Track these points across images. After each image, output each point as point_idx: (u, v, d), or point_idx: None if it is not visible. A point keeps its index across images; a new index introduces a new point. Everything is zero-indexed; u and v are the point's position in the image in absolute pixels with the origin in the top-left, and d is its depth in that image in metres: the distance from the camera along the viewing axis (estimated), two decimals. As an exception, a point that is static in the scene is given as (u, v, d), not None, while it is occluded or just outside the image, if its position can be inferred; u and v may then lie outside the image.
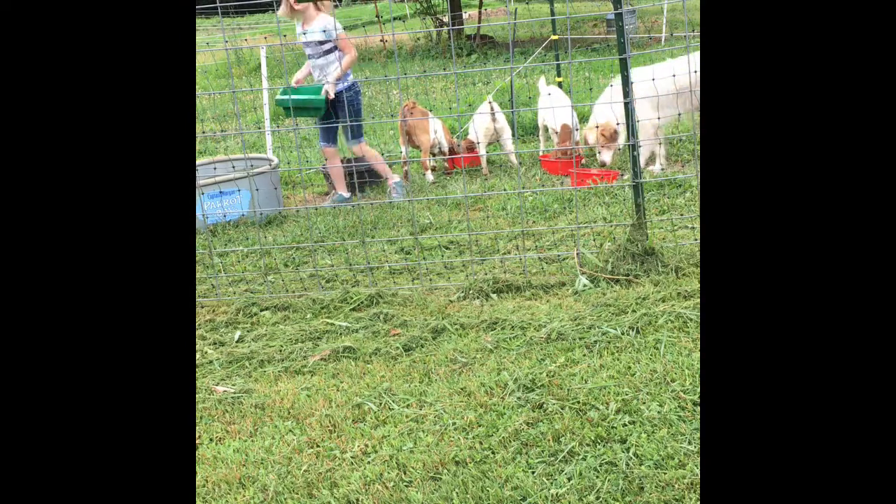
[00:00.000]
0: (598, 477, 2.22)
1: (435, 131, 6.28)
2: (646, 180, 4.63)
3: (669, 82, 5.07)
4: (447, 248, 4.61)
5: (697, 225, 4.21)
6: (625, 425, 2.45)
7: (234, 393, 3.03)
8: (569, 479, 2.22)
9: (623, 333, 3.08)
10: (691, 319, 3.11)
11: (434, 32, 15.70)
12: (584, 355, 2.96)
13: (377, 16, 17.52)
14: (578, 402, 2.61)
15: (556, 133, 6.26)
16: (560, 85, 7.43)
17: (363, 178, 6.04)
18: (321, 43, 5.42)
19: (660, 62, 5.84)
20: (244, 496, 2.36)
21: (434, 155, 6.44)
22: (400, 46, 15.83)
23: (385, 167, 5.86)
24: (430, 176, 6.27)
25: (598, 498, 2.13)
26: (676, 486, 2.14)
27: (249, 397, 2.98)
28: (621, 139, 5.65)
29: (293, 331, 3.52)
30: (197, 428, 2.81)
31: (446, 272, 4.17)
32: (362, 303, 3.73)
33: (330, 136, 5.77)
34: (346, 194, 5.85)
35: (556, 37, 7.69)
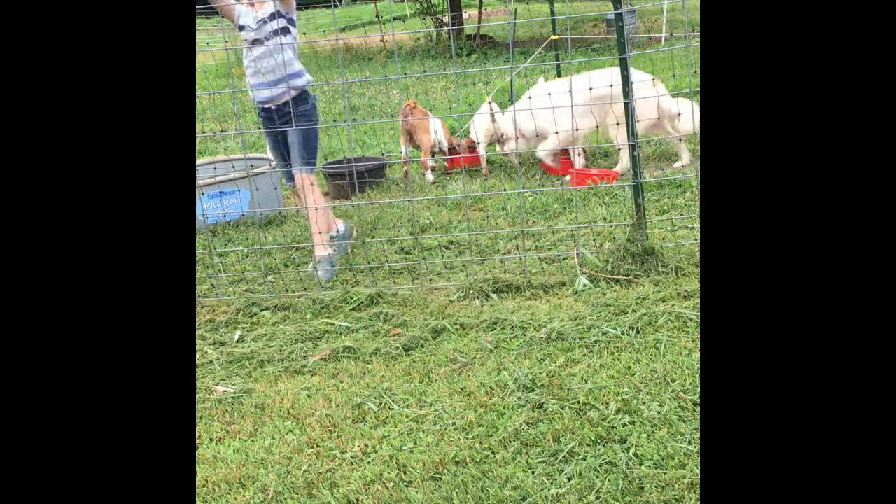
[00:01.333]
0: (598, 477, 2.22)
1: (435, 131, 6.29)
2: (645, 180, 4.64)
3: (586, 94, 5.22)
4: (447, 248, 4.60)
5: (697, 225, 4.21)
6: (625, 425, 2.45)
7: (234, 393, 3.03)
8: (569, 479, 2.22)
9: (623, 333, 3.08)
10: (691, 319, 3.11)
11: (434, 32, 15.71)
12: (584, 355, 2.96)
13: (377, 16, 17.52)
14: (578, 402, 2.61)
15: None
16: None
17: (363, 178, 6.04)
18: (274, 18, 3.97)
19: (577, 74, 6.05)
20: (244, 496, 2.36)
21: (434, 154, 6.45)
22: (400, 46, 15.83)
23: (330, 223, 4.44)
24: (430, 176, 6.28)
25: (598, 498, 2.13)
26: (676, 486, 2.14)
27: (249, 397, 2.98)
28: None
29: (293, 331, 3.52)
30: (197, 428, 2.81)
31: (446, 272, 4.16)
32: (362, 303, 3.73)
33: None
34: (328, 252, 4.28)
35: (556, 37, 7.69)
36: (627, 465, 2.25)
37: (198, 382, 3.14)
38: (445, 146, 6.43)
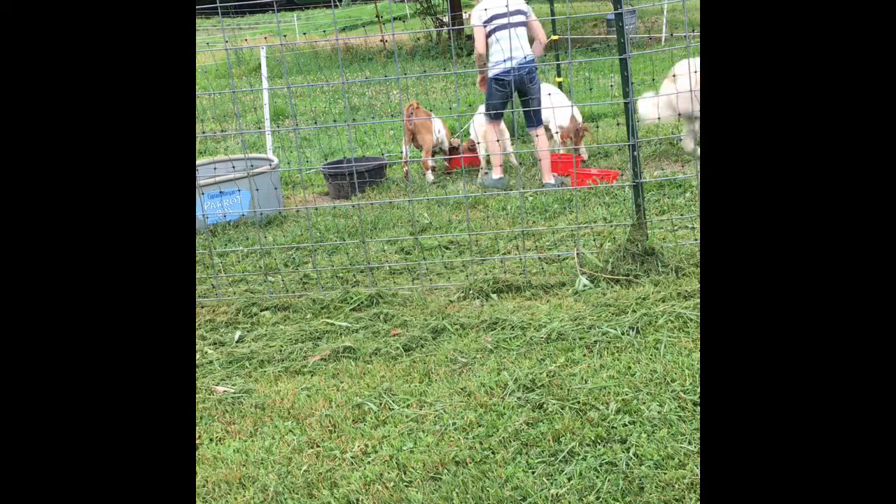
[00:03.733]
0: (598, 477, 2.22)
1: (438, 131, 6.31)
2: (645, 180, 4.64)
3: None
4: (447, 248, 4.60)
5: (697, 225, 4.21)
6: (625, 425, 2.45)
7: (234, 393, 3.03)
8: (569, 479, 2.22)
9: (623, 333, 3.08)
10: (691, 319, 3.11)
11: (434, 32, 15.72)
12: (584, 355, 2.96)
13: (377, 16, 17.53)
14: (578, 402, 2.61)
15: (558, 133, 6.28)
16: (560, 85, 7.43)
17: (363, 178, 6.04)
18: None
19: None
20: (244, 496, 2.36)
21: (435, 154, 6.46)
22: (400, 46, 15.83)
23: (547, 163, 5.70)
24: (430, 176, 6.28)
25: (598, 498, 2.13)
26: (676, 486, 2.14)
27: (249, 397, 2.98)
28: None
29: (293, 331, 3.52)
30: (197, 428, 2.81)
31: (446, 272, 4.16)
32: (362, 303, 3.73)
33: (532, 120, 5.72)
34: (552, 181, 5.68)
35: (556, 37, 7.69)
36: (627, 465, 2.25)
37: (198, 382, 3.14)
38: (447, 145, 6.45)
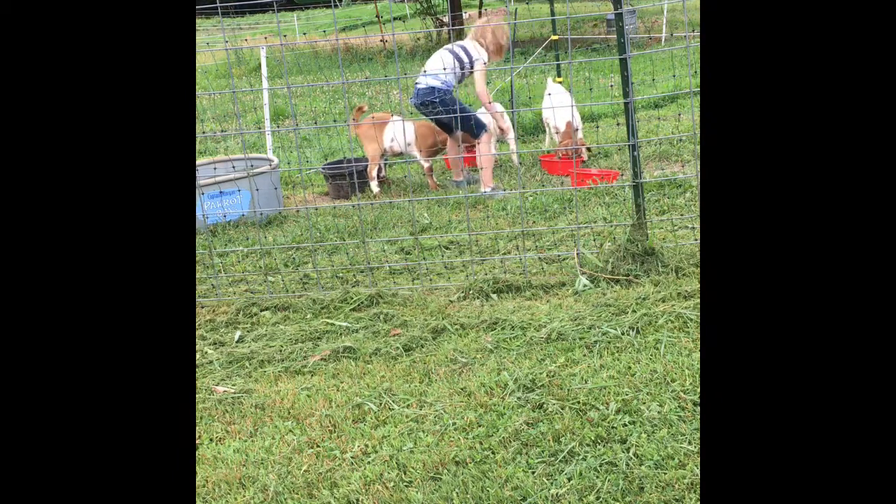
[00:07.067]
0: (598, 477, 2.22)
1: (392, 139, 6.01)
2: (645, 180, 4.64)
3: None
4: (447, 248, 4.60)
5: (697, 225, 4.21)
6: (625, 425, 2.45)
7: (234, 393, 3.03)
8: (569, 479, 2.22)
9: (623, 333, 3.08)
10: (691, 319, 3.11)
11: (434, 32, 15.73)
12: (584, 355, 2.96)
13: (377, 16, 17.54)
14: (578, 402, 2.61)
15: (559, 132, 6.29)
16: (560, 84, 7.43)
17: (363, 178, 6.04)
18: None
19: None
20: (244, 496, 2.36)
21: (394, 155, 6.21)
22: (400, 46, 15.83)
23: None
24: (374, 186, 6.03)
25: (598, 498, 2.13)
26: (676, 486, 2.14)
27: (249, 397, 2.98)
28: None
29: (293, 331, 3.52)
30: (197, 428, 2.81)
31: (446, 272, 4.16)
32: (362, 303, 3.73)
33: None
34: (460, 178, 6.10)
35: (556, 37, 7.70)
36: (627, 465, 2.25)
37: (198, 382, 3.14)
38: (413, 150, 6.08)
